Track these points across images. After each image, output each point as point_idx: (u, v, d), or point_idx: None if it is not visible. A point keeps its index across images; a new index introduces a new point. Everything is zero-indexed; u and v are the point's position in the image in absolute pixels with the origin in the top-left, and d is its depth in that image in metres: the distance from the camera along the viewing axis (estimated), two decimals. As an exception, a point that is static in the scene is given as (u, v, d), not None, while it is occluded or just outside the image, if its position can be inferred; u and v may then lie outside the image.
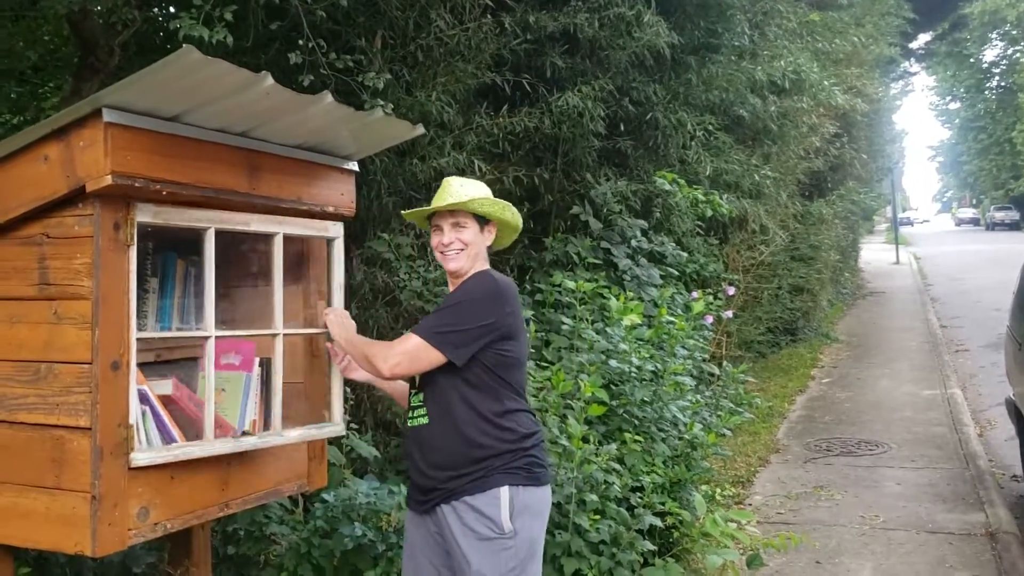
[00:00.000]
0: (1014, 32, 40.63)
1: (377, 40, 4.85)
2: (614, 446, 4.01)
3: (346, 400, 3.84)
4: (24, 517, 2.14)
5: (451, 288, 2.60)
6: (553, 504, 3.65)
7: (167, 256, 2.60)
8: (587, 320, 4.70)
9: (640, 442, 4.17)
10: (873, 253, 27.22)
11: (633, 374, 4.49)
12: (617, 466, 3.97)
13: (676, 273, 6.62)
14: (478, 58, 5.12)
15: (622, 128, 6.48)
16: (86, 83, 4.15)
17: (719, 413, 5.23)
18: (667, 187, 6.54)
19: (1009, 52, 42.42)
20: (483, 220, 2.56)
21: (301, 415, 2.70)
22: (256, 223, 2.45)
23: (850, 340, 12.63)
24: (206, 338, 2.34)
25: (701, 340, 5.74)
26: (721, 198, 7.12)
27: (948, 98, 50.92)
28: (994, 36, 41.64)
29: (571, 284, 4.74)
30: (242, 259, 2.79)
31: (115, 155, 2.02)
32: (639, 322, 4.68)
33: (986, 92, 45.12)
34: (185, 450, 2.25)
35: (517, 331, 2.50)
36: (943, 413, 7.90)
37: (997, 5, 36.94)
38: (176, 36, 3.61)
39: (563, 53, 5.79)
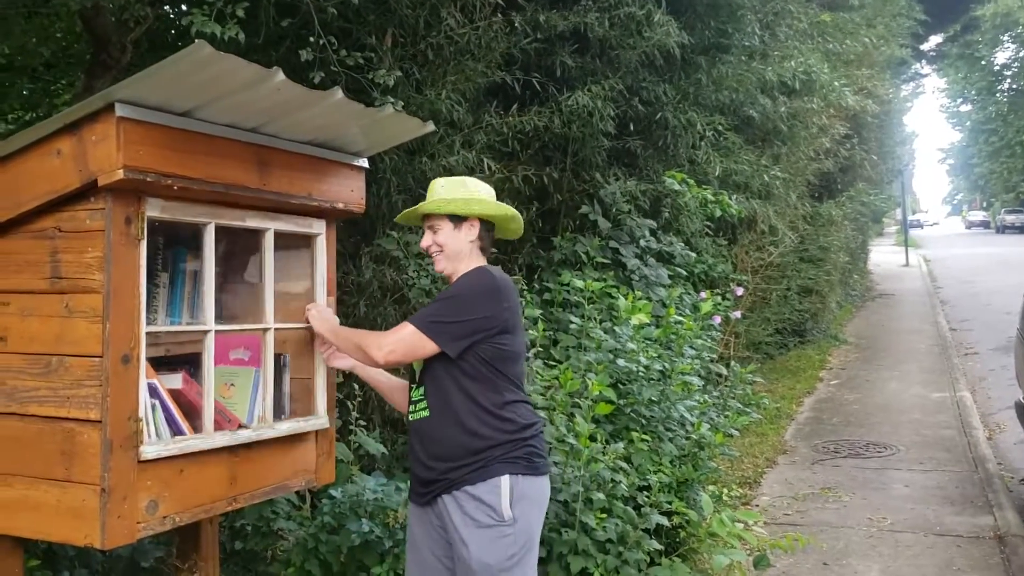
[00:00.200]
0: (1027, 35, 40.37)
1: (387, 38, 4.85)
2: (621, 445, 4.01)
3: (354, 397, 3.85)
4: (34, 509, 2.15)
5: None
6: (560, 502, 3.66)
7: (177, 251, 2.61)
8: (595, 319, 4.70)
9: (647, 441, 4.18)
10: (883, 255, 27.09)
11: (641, 373, 4.50)
12: (624, 465, 3.98)
13: (684, 273, 6.62)
14: (488, 57, 5.12)
15: (632, 128, 6.47)
16: (98, 80, 4.16)
17: (726, 413, 5.22)
18: (676, 187, 6.54)
19: (1021, 55, 42.08)
20: (457, 218, 2.56)
21: (310, 410, 2.72)
22: (250, 219, 2.47)
23: (859, 342, 12.57)
24: (205, 332, 2.37)
25: (709, 340, 5.73)
26: (730, 199, 7.12)
27: (959, 100, 50.54)
28: (1006, 38, 41.27)
29: (579, 283, 4.74)
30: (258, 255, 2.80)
31: (127, 149, 2.03)
32: (647, 322, 4.68)
33: (997, 95, 44.76)
34: (187, 443, 2.27)
35: (515, 325, 2.52)
36: (952, 416, 7.87)
37: (1009, 7, 36.64)
38: (188, 33, 3.62)
39: (573, 52, 5.79)
